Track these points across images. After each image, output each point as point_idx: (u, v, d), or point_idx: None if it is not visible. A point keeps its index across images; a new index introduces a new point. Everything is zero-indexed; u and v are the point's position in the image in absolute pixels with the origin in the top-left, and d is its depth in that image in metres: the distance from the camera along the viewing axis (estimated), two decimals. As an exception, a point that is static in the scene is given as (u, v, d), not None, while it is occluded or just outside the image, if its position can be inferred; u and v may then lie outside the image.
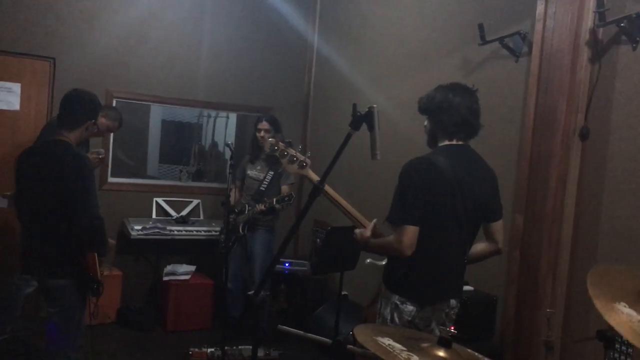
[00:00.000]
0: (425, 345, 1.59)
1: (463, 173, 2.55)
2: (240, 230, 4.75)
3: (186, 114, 7.80)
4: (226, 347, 4.16)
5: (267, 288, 4.65)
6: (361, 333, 1.58)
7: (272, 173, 4.81)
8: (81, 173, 3.00)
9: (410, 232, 2.43)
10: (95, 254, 3.07)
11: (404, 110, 4.69)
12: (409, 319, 2.55)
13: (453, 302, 2.69)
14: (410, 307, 2.55)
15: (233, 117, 7.06)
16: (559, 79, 3.29)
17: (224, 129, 7.57)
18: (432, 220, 2.48)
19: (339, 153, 1.90)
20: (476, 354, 1.72)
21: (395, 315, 2.57)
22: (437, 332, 2.60)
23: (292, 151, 2.61)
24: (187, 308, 5.19)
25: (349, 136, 1.87)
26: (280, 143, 2.60)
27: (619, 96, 3.14)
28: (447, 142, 2.62)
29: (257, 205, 4.60)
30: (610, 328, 2.02)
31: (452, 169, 2.52)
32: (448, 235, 2.57)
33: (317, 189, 1.93)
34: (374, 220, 2.70)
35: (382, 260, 2.87)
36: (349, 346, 1.66)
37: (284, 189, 4.80)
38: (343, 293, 4.51)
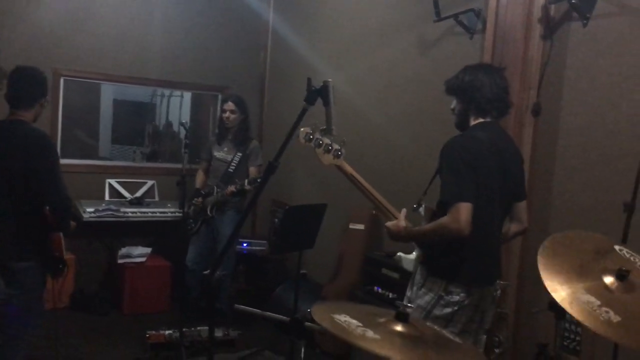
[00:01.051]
0: (382, 320, 1.59)
1: (503, 149, 2.54)
2: (209, 212, 4.70)
3: (139, 93, 7.59)
4: (184, 329, 4.12)
5: (224, 267, 4.61)
6: (318, 311, 1.57)
7: (240, 154, 4.75)
8: (49, 152, 3.01)
9: (467, 210, 2.31)
10: (61, 234, 3.06)
11: (362, 87, 4.68)
12: (454, 309, 2.46)
13: (497, 283, 2.64)
14: (456, 297, 2.46)
15: (188, 96, 6.91)
16: (512, 56, 3.32)
17: (178, 108, 7.41)
18: (481, 197, 2.40)
19: (294, 128, 1.87)
20: (435, 327, 1.73)
21: (438, 306, 2.49)
22: (487, 318, 2.56)
23: (327, 140, 2.50)
24: (143, 291, 5.11)
25: (304, 111, 1.84)
26: (316, 131, 2.48)
27: (570, 72, 3.20)
28: (480, 120, 2.57)
29: (227, 187, 4.55)
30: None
31: (494, 145, 2.49)
32: (494, 213, 2.53)
33: (271, 167, 1.89)
34: (404, 210, 2.60)
35: (411, 252, 2.80)
36: (307, 323, 1.65)
37: (252, 170, 4.75)
38: (302, 272, 4.52)
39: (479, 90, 2.54)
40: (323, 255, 4.87)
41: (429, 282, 2.52)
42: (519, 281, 3.27)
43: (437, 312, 2.48)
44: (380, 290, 3.93)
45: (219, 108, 5.83)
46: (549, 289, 1.83)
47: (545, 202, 3.27)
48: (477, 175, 2.39)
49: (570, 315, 3.07)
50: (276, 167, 1.89)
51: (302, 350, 1.72)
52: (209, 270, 1.81)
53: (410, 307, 1.58)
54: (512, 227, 2.70)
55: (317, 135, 2.47)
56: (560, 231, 3.15)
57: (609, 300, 1.79)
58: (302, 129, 2.47)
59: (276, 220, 5.53)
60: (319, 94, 1.89)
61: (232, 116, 4.73)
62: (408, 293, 2.65)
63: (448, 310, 2.46)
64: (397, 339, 1.49)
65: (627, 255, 1.99)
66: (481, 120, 2.57)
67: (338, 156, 2.52)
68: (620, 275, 1.89)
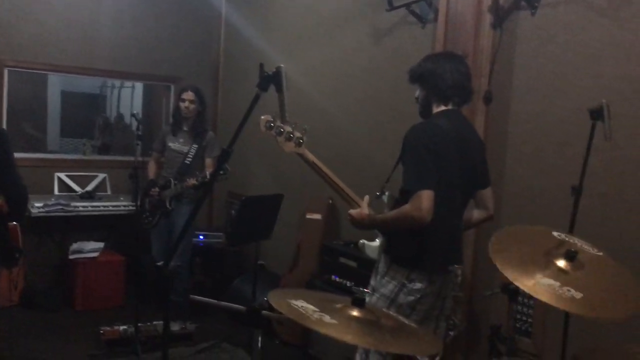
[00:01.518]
0: (339, 306, 1.59)
1: (464, 136, 2.55)
2: (168, 205, 4.59)
3: (88, 84, 7.40)
4: (140, 324, 4.05)
5: (180, 260, 4.54)
6: (275, 297, 1.56)
7: (197, 146, 4.66)
8: (3, 143, 2.96)
9: (429, 197, 2.32)
10: (16, 224, 3.08)
11: (316, 77, 4.67)
12: (417, 297, 2.48)
13: (456, 268, 2.68)
14: (418, 285, 2.48)
15: (139, 87, 6.77)
16: (463, 45, 3.37)
17: (129, 99, 7.25)
18: (443, 184, 2.41)
19: (247, 115, 1.84)
20: (390, 312, 1.75)
21: (401, 294, 2.50)
22: (447, 304, 2.58)
23: (288, 128, 2.46)
24: (96, 286, 4.99)
25: (256, 97, 1.82)
26: (277, 119, 2.43)
27: (519, 60, 3.27)
28: (443, 108, 2.59)
29: (187, 180, 4.45)
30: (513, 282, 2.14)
31: (456, 132, 2.50)
32: (455, 200, 2.54)
33: (225, 153, 1.86)
34: (366, 197, 2.60)
35: (375, 239, 2.79)
36: (264, 312, 1.64)
37: (209, 162, 4.67)
38: (259, 263, 4.50)
39: (440, 77, 2.56)
40: (280, 246, 4.86)
41: (392, 270, 2.53)
42: (473, 265, 3.34)
43: (401, 300, 2.49)
44: (338, 279, 3.95)
45: (172, 99, 5.73)
46: (513, 280, 1.88)
47: (498, 188, 3.34)
48: (439, 162, 2.41)
49: (522, 298, 3.17)
50: (230, 153, 1.86)
51: (260, 339, 1.71)
52: (162, 262, 1.77)
53: (366, 291, 1.59)
54: (477, 215, 2.73)
55: (278, 123, 2.44)
56: (512, 216, 3.25)
57: (566, 280, 1.86)
58: (262, 117, 2.43)
59: (233, 212, 5.48)
60: (271, 80, 1.86)
61: (192, 106, 4.64)
62: (372, 282, 2.65)
63: (411, 298, 2.48)
64: (354, 324, 1.50)
65: (567, 239, 2.07)
66: (443, 107, 2.59)
67: (299, 144, 2.49)
68: (570, 256, 1.96)
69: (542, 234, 2.09)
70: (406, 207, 2.36)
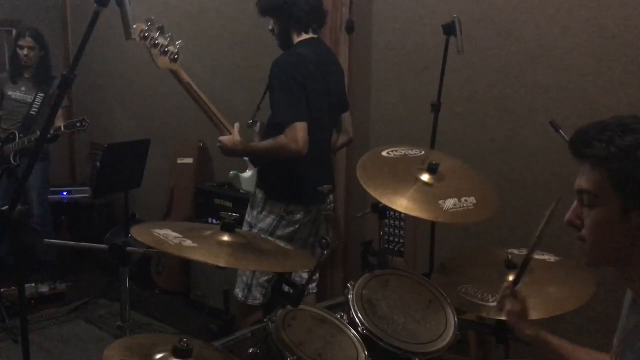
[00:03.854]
0: (208, 232, 1.54)
1: (327, 64, 2.53)
2: (12, 161, 4.15)
3: None
4: (3, 289, 3.74)
5: (38, 218, 4.22)
6: (138, 228, 1.48)
7: (42, 95, 4.23)
8: None
9: (304, 128, 2.32)
10: None
11: (174, 13, 4.42)
12: (295, 227, 2.50)
13: (331, 196, 2.70)
14: (297, 216, 2.49)
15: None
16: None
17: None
18: (313, 114, 2.40)
19: (87, 36, 1.67)
20: (262, 235, 1.73)
21: (280, 227, 2.49)
22: (322, 231, 2.62)
23: (163, 40, 2.25)
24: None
25: (96, 15, 1.65)
26: (152, 30, 2.21)
27: (378, -12, 3.29)
28: (303, 36, 2.54)
29: (35, 132, 4.04)
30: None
31: (319, 60, 2.47)
32: (325, 129, 2.55)
33: (66, 79, 1.69)
34: (237, 124, 2.51)
35: (247, 170, 2.72)
36: (129, 248, 1.55)
37: (59, 112, 4.26)
38: (131, 213, 4.30)
39: (294, 4, 2.50)
40: (152, 194, 4.68)
41: (269, 205, 2.53)
42: (346, 185, 3.42)
43: (280, 232, 2.51)
44: (214, 221, 3.89)
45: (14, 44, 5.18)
46: (380, 199, 1.94)
47: (365, 114, 3.41)
48: (308, 92, 2.41)
49: (394, 221, 3.30)
50: (71, 80, 1.69)
51: (127, 278, 1.62)
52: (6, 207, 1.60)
53: (236, 215, 1.55)
54: (339, 139, 2.78)
55: (153, 34, 2.25)
56: (380, 142, 3.34)
57: (435, 193, 1.96)
58: (136, 25, 2.18)
59: (97, 163, 5.16)
60: (109, -9, 1.68)
61: (31, 53, 4.20)
62: (248, 218, 2.63)
63: (290, 229, 2.51)
64: (223, 248, 1.46)
65: (419, 153, 2.17)
66: (304, 36, 2.56)
67: (174, 60, 2.33)
68: (432, 169, 2.04)
69: (399, 153, 2.16)
70: (282, 139, 2.35)
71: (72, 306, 4.00)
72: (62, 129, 3.94)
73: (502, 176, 2.89)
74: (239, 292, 2.62)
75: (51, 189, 4.65)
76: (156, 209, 4.64)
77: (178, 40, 2.32)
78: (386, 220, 2.84)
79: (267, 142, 2.43)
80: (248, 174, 2.67)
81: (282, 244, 1.72)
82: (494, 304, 1.99)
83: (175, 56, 2.31)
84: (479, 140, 2.98)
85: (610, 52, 2.56)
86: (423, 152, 2.19)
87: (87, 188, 5.08)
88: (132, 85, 4.83)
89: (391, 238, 3.29)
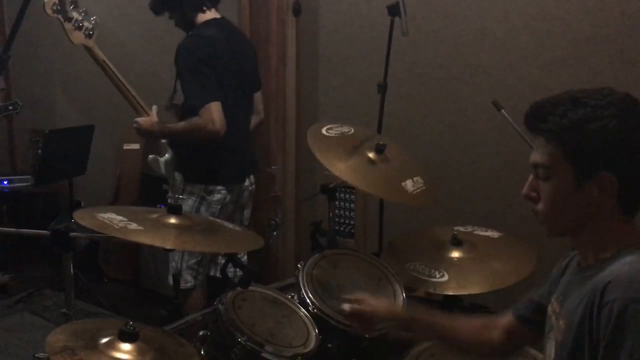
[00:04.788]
0: (155, 215, 1.52)
1: (235, 43, 2.53)
2: None
3: None
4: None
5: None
6: (82, 213, 1.45)
7: None
8: None
9: (218, 108, 2.32)
10: None
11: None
12: (217, 207, 2.50)
13: (252, 177, 2.71)
14: (218, 196, 2.51)
15: None
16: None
17: None
18: (227, 95, 2.41)
19: (20, 17, 1.60)
20: (210, 218, 1.72)
21: (202, 208, 2.49)
22: (247, 214, 2.63)
23: (77, 15, 2.18)
24: None
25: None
26: (66, 3, 2.15)
27: (323, -31, 3.28)
28: (205, 17, 2.52)
29: None
30: (331, 181, 2.24)
31: (226, 40, 2.47)
32: (241, 109, 2.55)
33: (1, 60, 1.63)
34: (155, 107, 2.50)
35: (164, 154, 2.69)
36: (72, 233, 1.52)
37: None
38: (76, 200, 4.19)
39: None
40: (98, 181, 4.56)
41: (189, 187, 2.54)
42: (297, 167, 3.42)
43: (203, 213, 2.52)
44: (163, 206, 3.81)
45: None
46: (330, 168, 1.96)
47: (314, 100, 3.41)
48: (217, 73, 2.42)
49: (344, 203, 3.32)
50: (6, 60, 1.63)
51: (71, 265, 1.59)
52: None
53: (183, 198, 1.53)
54: (254, 119, 2.79)
55: (67, 8, 2.19)
56: (329, 122, 3.35)
57: (391, 174, 2.01)
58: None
59: (39, 150, 4.99)
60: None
61: None
62: (170, 200, 2.61)
63: (212, 210, 2.52)
64: (170, 230, 1.45)
65: (370, 133, 2.23)
66: (206, 16, 2.55)
67: (89, 36, 2.29)
68: (379, 149, 2.07)
69: (349, 131, 2.19)
70: (198, 121, 2.35)
71: (17, 298, 3.88)
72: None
73: (448, 155, 2.95)
74: (171, 279, 2.63)
75: (-10, 177, 4.48)
76: (102, 196, 4.53)
77: (93, 16, 2.27)
78: (336, 202, 2.88)
79: (184, 124, 2.44)
80: (167, 157, 2.67)
81: (230, 225, 1.71)
82: (442, 279, 2.06)
83: (90, 32, 2.27)
84: (426, 121, 3.03)
85: (549, 33, 2.64)
86: (370, 133, 2.22)
87: (29, 177, 4.90)
88: (74, 70, 4.66)
89: (341, 220, 3.32)
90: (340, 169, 1.96)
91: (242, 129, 2.62)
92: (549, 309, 1.27)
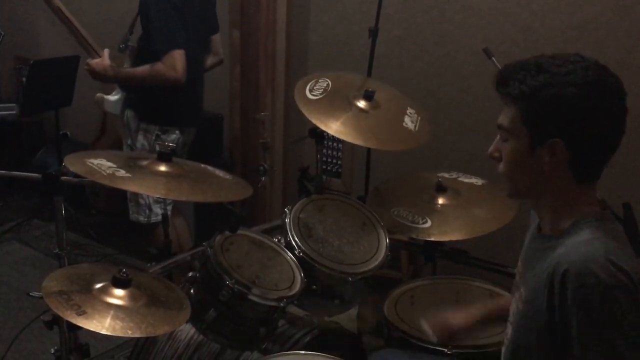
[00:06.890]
0: (145, 162, 1.54)
1: None
2: None
3: None
4: None
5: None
6: (72, 158, 1.46)
7: None
8: None
9: (182, 56, 2.34)
10: None
11: None
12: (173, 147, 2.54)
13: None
14: (173, 136, 2.55)
15: None
16: None
17: None
18: (191, 40, 2.42)
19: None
20: (202, 165, 1.74)
21: (157, 146, 2.49)
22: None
23: None
24: None
25: None
26: None
27: None
28: None
29: None
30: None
31: None
32: (201, 54, 2.59)
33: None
34: (107, 50, 2.49)
35: (114, 94, 2.69)
36: (64, 177, 1.53)
37: None
38: (62, 132, 4.16)
39: None
40: (85, 113, 4.50)
41: (144, 124, 2.57)
42: (285, 113, 3.41)
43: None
44: (150, 141, 3.82)
45: None
46: (318, 124, 1.96)
47: (304, 38, 3.37)
48: (185, 18, 2.41)
49: (332, 142, 3.34)
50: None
51: (62, 208, 1.61)
52: None
53: (172, 146, 1.55)
54: (208, 59, 2.79)
55: None
56: (319, 65, 3.33)
57: (366, 118, 2.00)
58: None
59: (24, 79, 4.90)
60: None
61: None
62: (129, 141, 2.64)
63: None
64: (158, 178, 1.46)
65: (351, 77, 2.22)
66: None
67: None
68: (368, 96, 2.07)
69: (339, 77, 2.17)
70: (160, 67, 2.35)
71: (5, 227, 3.92)
72: None
73: (436, 100, 2.96)
74: (139, 217, 2.69)
75: (-27, 106, 4.42)
76: (89, 128, 4.50)
77: None
78: (325, 142, 2.90)
79: (144, 69, 2.42)
80: (115, 97, 2.66)
81: (220, 172, 1.73)
82: (425, 225, 2.12)
83: None
84: (416, 64, 3.01)
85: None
86: (361, 80, 2.22)
87: (14, 105, 4.84)
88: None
89: (329, 160, 3.35)
90: (335, 128, 1.95)
91: (199, 72, 2.65)
92: (518, 265, 1.33)
